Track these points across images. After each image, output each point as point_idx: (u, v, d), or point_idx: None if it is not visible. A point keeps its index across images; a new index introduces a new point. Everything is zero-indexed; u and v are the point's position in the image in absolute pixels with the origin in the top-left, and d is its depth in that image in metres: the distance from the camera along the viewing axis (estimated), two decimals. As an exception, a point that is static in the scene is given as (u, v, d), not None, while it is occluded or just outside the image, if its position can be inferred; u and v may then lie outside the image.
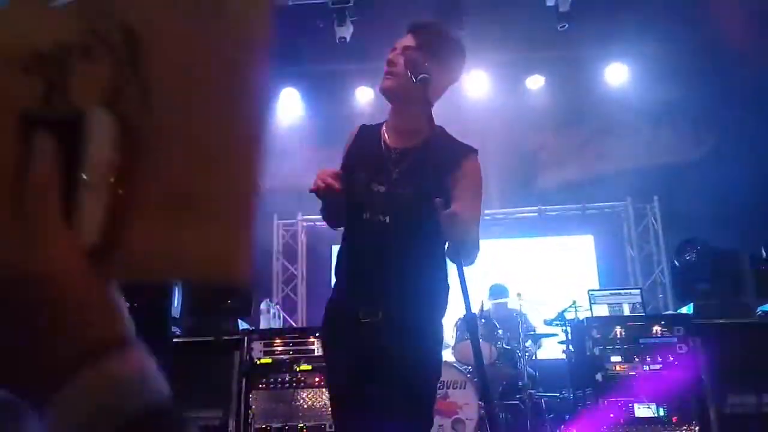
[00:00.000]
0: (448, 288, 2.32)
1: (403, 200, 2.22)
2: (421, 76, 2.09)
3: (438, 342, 2.30)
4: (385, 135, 2.37)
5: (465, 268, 1.90)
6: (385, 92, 2.30)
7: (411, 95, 2.20)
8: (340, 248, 2.41)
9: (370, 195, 2.24)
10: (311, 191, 2.20)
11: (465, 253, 2.06)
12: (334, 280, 2.41)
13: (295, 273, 8.42)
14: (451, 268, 2.17)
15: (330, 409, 2.39)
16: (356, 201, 2.25)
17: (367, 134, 2.43)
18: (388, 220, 2.20)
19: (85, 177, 0.53)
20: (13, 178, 0.51)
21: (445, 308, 2.33)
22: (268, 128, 0.60)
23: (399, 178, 2.26)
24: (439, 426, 4.66)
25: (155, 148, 0.56)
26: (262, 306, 6.25)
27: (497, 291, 6.41)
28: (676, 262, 5.41)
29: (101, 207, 0.53)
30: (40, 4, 0.59)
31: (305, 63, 8.20)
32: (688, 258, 5.20)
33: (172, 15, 0.59)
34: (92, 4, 0.60)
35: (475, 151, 2.37)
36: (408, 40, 2.29)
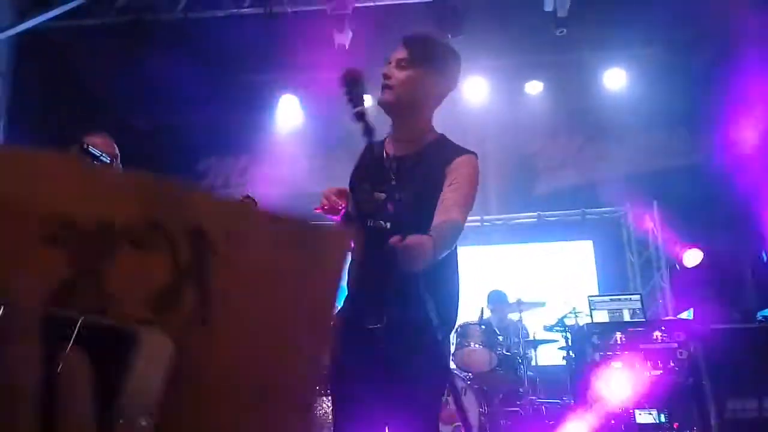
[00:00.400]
0: (455, 292, 2.31)
1: (399, 205, 2.22)
2: (357, 110, 2.15)
3: (443, 349, 2.27)
4: (387, 146, 2.41)
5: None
6: (384, 106, 2.33)
7: (409, 106, 2.26)
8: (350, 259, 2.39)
9: (372, 202, 2.27)
10: (316, 211, 2.26)
11: (452, 244, 2.13)
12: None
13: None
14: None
15: (331, 416, 2.37)
16: (361, 210, 2.28)
17: (372, 149, 2.41)
18: (389, 226, 2.19)
19: (121, 421, 0.47)
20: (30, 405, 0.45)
21: (453, 313, 2.32)
22: (321, 373, 0.61)
23: (397, 184, 2.28)
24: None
25: (210, 370, 0.53)
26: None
27: (496, 297, 6.40)
28: (677, 266, 5.41)
29: None
30: (92, 172, 0.53)
31: (304, 70, 8.20)
32: (691, 264, 5.20)
33: (255, 233, 0.58)
34: (159, 192, 0.55)
35: (471, 152, 2.36)
36: (401, 53, 2.31)
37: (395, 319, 2.14)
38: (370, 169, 2.37)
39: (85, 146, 2.81)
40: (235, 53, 7.42)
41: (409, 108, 2.29)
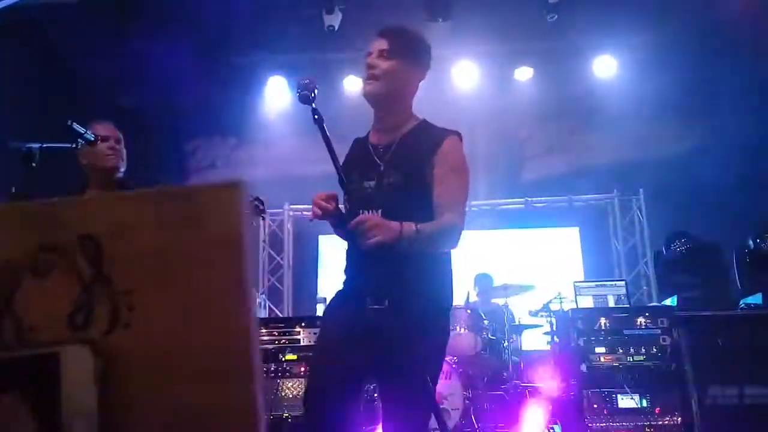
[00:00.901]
0: (449, 272, 2.37)
1: (389, 189, 2.29)
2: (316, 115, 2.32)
3: (441, 331, 2.33)
4: (372, 137, 2.50)
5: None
6: (369, 96, 2.41)
7: (393, 95, 2.39)
8: (347, 249, 2.44)
9: (362, 191, 2.34)
10: (311, 220, 2.34)
11: (445, 244, 2.26)
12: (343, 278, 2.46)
13: (282, 263, 8.40)
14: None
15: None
16: (352, 200, 2.34)
17: (358, 143, 2.57)
18: (379, 213, 2.25)
19: (63, 422, 0.50)
20: None
21: (449, 294, 2.38)
22: (256, 330, 0.59)
23: (385, 169, 2.34)
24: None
25: (141, 366, 0.54)
26: (248, 295, 6.23)
27: (482, 280, 6.44)
28: (663, 250, 5.44)
29: None
30: None
31: (293, 51, 8.14)
32: (678, 249, 5.23)
33: (137, 221, 0.57)
34: (43, 213, 0.56)
35: (454, 132, 2.43)
36: (382, 44, 2.39)
37: (396, 301, 2.17)
38: (358, 160, 2.45)
39: (70, 123, 2.78)
40: (224, 33, 7.35)
41: (393, 96, 2.39)
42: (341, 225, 2.32)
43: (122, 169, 3.17)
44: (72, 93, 6.77)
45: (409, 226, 2.13)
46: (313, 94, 2.33)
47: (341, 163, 2.39)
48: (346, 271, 2.43)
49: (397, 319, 2.14)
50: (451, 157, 2.35)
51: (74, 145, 2.85)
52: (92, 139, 2.87)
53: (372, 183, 2.35)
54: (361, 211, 2.28)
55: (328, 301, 2.48)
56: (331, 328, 2.32)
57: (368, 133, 2.54)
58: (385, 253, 2.12)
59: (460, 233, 2.28)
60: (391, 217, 2.19)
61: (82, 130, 2.83)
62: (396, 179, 2.31)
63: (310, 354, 2.25)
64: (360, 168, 2.42)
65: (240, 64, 8.16)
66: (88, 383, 0.53)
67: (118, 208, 0.58)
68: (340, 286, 2.43)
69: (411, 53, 2.42)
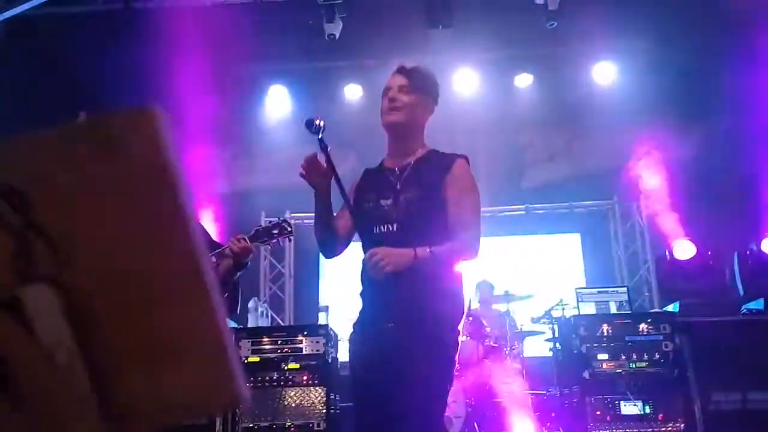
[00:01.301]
0: (460, 291, 2.53)
1: (406, 204, 2.45)
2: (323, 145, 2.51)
3: (448, 345, 2.42)
4: (387, 162, 2.68)
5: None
6: (391, 125, 2.59)
7: (411, 125, 2.60)
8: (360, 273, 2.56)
9: (379, 209, 2.51)
10: (301, 175, 2.56)
11: (461, 263, 2.45)
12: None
13: (283, 271, 8.40)
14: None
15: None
16: (367, 219, 2.50)
17: (370, 171, 2.73)
18: (395, 228, 2.43)
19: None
20: None
21: (459, 308, 2.54)
22: (202, 252, 0.59)
23: (401, 187, 2.51)
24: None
25: (98, 301, 0.55)
26: (250, 304, 6.24)
27: (483, 287, 6.43)
28: (666, 256, 5.44)
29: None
30: None
31: (294, 60, 8.17)
32: (681, 255, 5.24)
33: (61, 166, 0.57)
34: None
35: (463, 156, 2.63)
36: (401, 80, 2.61)
37: (404, 318, 2.31)
38: (373, 183, 2.62)
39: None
40: (225, 42, 7.37)
41: (411, 126, 2.60)
42: (323, 222, 2.58)
43: None
44: (74, 101, 6.79)
45: (423, 251, 2.28)
46: (321, 126, 2.48)
47: (354, 192, 2.61)
48: (362, 294, 2.56)
49: (411, 338, 2.28)
50: (462, 179, 2.54)
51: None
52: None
53: (389, 201, 2.49)
54: (375, 228, 2.44)
55: (349, 333, 2.60)
56: (360, 365, 2.46)
57: (381, 161, 2.71)
58: (398, 277, 2.26)
59: (477, 250, 2.49)
60: (408, 231, 2.37)
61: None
62: (412, 194, 2.47)
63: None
64: (376, 189, 2.57)
65: (241, 73, 8.18)
66: (57, 316, 0.54)
67: (34, 153, 0.58)
68: (356, 314, 2.56)
69: (427, 89, 2.66)
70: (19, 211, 0.56)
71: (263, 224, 3.24)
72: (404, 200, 2.46)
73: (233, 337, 4.86)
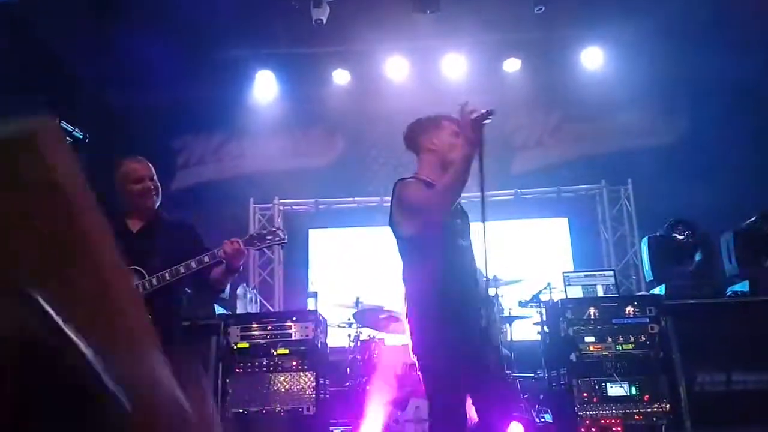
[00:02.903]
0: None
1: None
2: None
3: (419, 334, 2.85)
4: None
5: None
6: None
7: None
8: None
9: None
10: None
11: None
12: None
13: (272, 257, 8.40)
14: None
15: None
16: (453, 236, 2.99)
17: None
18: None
19: None
20: None
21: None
22: (113, 269, 0.58)
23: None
24: (416, 407, 4.71)
25: None
26: (239, 291, 6.23)
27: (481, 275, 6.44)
28: (655, 238, 5.46)
29: None
30: None
31: (281, 45, 8.13)
32: (680, 237, 5.27)
33: None
34: None
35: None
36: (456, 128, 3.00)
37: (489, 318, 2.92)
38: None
39: (57, 122, 2.78)
40: (211, 28, 7.32)
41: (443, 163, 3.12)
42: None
43: (158, 201, 3.38)
44: (58, 91, 6.73)
45: None
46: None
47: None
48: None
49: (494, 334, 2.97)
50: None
51: (62, 143, 2.85)
52: (81, 136, 2.88)
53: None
54: (459, 241, 3.04)
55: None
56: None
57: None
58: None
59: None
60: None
61: (70, 128, 2.83)
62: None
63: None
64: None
65: (227, 59, 8.13)
66: None
67: None
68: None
69: (417, 143, 3.15)
70: None
71: (256, 229, 3.29)
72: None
73: (223, 323, 4.87)
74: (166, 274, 3.12)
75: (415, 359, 2.84)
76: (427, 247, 2.84)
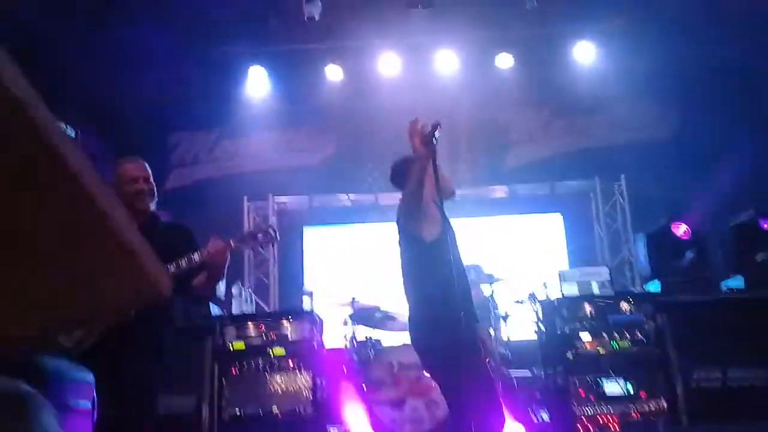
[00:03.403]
0: None
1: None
2: None
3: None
4: None
5: None
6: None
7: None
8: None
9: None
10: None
11: None
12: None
13: (267, 256, 8.37)
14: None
15: None
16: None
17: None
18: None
19: None
20: None
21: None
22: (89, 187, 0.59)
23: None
24: (413, 407, 4.70)
25: None
26: (234, 290, 6.21)
27: (473, 270, 6.43)
28: (654, 234, 5.46)
29: None
30: None
31: (274, 42, 8.08)
32: (676, 233, 5.28)
33: None
34: None
35: None
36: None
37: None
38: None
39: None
40: (203, 24, 7.27)
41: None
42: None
43: (152, 203, 3.30)
44: (51, 85, 6.66)
45: None
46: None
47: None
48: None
49: None
50: None
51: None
52: (71, 135, 2.85)
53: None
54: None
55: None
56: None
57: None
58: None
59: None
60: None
61: (60, 126, 2.80)
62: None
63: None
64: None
65: (220, 55, 8.08)
66: None
67: None
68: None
69: (407, 177, 3.08)
70: None
71: (248, 229, 3.25)
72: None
73: (219, 323, 4.84)
74: None
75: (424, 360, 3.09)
76: (444, 252, 2.96)
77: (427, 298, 3.01)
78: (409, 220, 3.09)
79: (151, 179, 3.30)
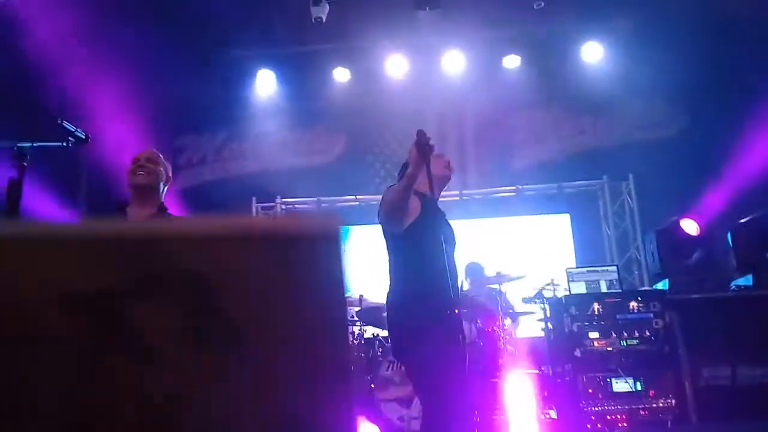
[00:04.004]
0: None
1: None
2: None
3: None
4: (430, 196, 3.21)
5: None
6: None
7: None
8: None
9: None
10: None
11: None
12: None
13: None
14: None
15: None
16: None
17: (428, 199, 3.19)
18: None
19: None
20: None
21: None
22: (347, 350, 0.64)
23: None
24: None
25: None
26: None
27: (473, 269, 6.44)
28: (664, 232, 5.45)
29: None
30: (77, 246, 0.58)
31: (281, 44, 8.12)
32: (686, 232, 5.26)
33: (239, 256, 0.60)
34: (142, 247, 0.59)
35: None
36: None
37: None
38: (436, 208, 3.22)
39: (60, 121, 2.77)
40: (211, 27, 7.31)
41: None
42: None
43: (163, 189, 3.27)
44: (58, 90, 6.71)
45: None
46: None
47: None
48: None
49: None
50: None
51: (65, 143, 2.83)
52: (83, 137, 2.86)
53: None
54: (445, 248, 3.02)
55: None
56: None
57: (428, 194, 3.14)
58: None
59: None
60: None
61: (72, 128, 2.81)
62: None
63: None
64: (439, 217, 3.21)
65: (228, 58, 8.13)
66: None
67: (218, 243, 0.62)
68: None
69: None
70: (197, 294, 0.59)
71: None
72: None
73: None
74: None
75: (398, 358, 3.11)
76: (413, 246, 3.02)
77: (393, 286, 3.07)
78: (380, 210, 3.11)
79: (159, 163, 3.26)
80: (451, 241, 3.21)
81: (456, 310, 3.00)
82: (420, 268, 3.00)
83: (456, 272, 3.19)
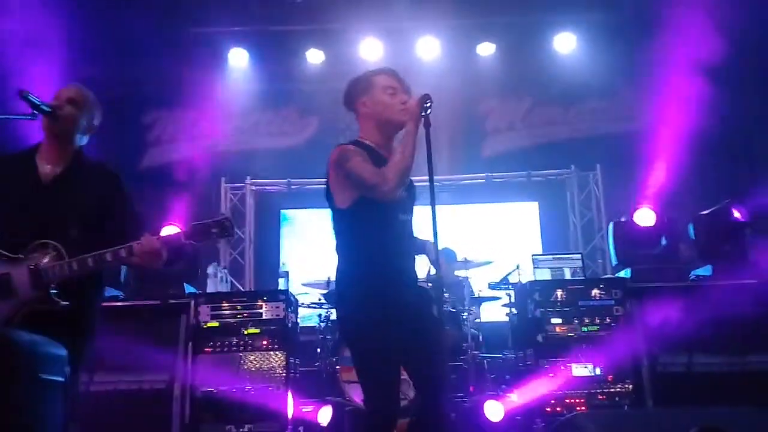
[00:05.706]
0: None
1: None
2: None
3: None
4: (383, 154, 2.89)
5: None
6: (399, 125, 2.86)
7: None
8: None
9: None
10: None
11: None
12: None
13: (243, 237, 8.37)
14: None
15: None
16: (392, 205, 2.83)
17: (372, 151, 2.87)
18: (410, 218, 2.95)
19: None
20: None
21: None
22: None
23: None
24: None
25: None
26: (209, 270, 6.21)
27: (444, 255, 6.50)
28: (624, 222, 5.54)
29: None
30: None
31: (255, 23, 8.04)
32: (644, 223, 5.36)
33: None
34: None
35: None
36: (400, 83, 3.01)
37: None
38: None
39: (25, 94, 2.73)
40: (185, 4, 7.22)
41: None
42: None
43: (80, 137, 2.97)
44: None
45: None
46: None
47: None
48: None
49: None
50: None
51: (31, 116, 2.79)
52: (48, 110, 2.81)
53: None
54: (400, 216, 2.84)
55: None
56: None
57: (375, 148, 2.88)
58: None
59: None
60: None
61: (37, 100, 2.77)
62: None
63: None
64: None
65: (201, 36, 8.03)
66: None
67: None
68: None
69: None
70: None
71: (201, 221, 2.79)
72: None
73: (193, 302, 4.85)
74: (89, 260, 2.67)
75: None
76: (362, 220, 2.75)
77: (340, 271, 2.82)
78: (332, 180, 2.89)
79: (83, 107, 2.95)
80: (409, 206, 2.92)
81: (413, 288, 2.83)
82: (364, 246, 2.76)
83: (412, 244, 2.95)
